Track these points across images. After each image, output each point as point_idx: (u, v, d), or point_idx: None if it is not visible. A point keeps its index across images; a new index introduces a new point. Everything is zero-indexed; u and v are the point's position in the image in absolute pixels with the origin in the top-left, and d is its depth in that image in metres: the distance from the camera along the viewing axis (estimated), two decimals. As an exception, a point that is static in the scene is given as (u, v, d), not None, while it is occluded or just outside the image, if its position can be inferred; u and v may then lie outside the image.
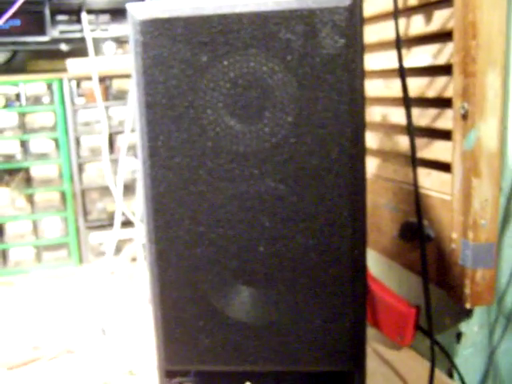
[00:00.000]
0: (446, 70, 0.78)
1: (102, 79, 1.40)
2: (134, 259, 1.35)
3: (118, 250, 1.41)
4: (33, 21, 1.32)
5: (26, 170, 1.42)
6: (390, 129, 0.95)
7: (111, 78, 1.42)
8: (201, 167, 0.66)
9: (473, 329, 0.84)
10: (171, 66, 0.65)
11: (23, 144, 1.41)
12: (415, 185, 0.74)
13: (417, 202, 0.74)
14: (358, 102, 0.63)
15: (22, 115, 1.40)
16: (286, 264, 0.67)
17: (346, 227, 0.65)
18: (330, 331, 0.69)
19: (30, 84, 1.38)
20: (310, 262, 0.67)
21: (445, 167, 0.80)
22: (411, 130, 0.73)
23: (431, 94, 0.81)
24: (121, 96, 1.41)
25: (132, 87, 0.67)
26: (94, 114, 1.42)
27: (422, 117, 0.83)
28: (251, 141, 0.65)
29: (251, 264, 0.68)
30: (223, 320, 0.69)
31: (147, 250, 0.69)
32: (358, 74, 0.63)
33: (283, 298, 0.68)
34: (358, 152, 0.64)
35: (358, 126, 0.63)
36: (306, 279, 0.67)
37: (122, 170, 1.27)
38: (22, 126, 1.40)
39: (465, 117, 0.73)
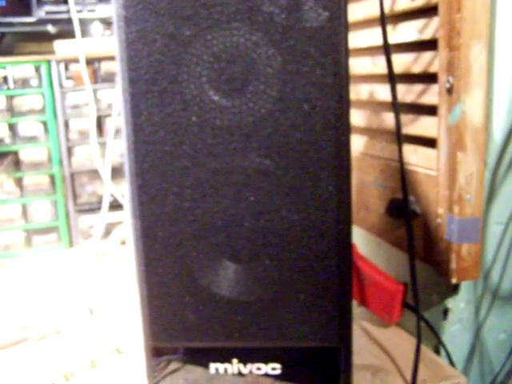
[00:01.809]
0: (431, 44, 0.77)
1: (90, 61, 1.39)
2: (123, 242, 1.35)
3: (108, 233, 1.40)
4: (18, 1, 1.31)
5: (15, 154, 1.41)
6: (377, 106, 0.95)
7: (99, 60, 1.41)
8: (185, 142, 0.65)
9: (459, 305, 0.84)
10: (154, 40, 0.64)
11: (11, 127, 1.40)
12: (401, 161, 0.74)
13: (402, 178, 0.74)
14: (342, 75, 0.63)
15: (10, 98, 1.39)
16: (271, 239, 0.67)
17: (331, 201, 0.65)
18: (316, 306, 0.69)
19: (18, 67, 1.37)
20: (295, 237, 0.67)
21: (431, 143, 0.80)
22: (396, 107, 0.73)
23: (417, 69, 0.81)
24: (109, 78, 1.40)
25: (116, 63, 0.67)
26: (82, 96, 1.41)
27: (408, 93, 0.83)
28: (235, 115, 0.64)
29: (236, 239, 0.68)
30: (209, 296, 0.69)
31: (132, 227, 0.69)
32: (341, 48, 0.62)
33: (268, 274, 0.68)
34: (343, 125, 0.64)
35: (343, 100, 0.63)
36: (291, 254, 0.67)
37: (110, 153, 1.26)
38: (10, 110, 1.39)
39: (450, 91, 0.73)
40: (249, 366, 0.73)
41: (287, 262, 0.68)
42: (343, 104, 0.63)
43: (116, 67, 0.66)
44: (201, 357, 0.74)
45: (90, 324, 0.95)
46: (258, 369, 0.73)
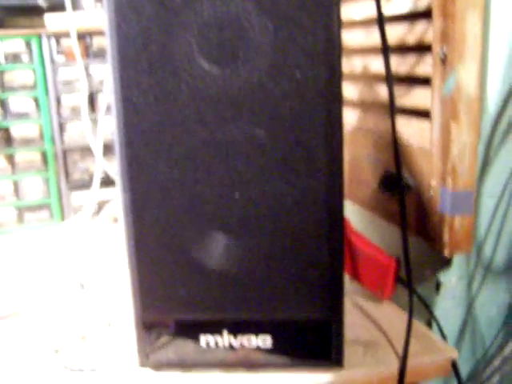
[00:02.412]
0: (426, 15, 0.76)
1: (81, 36, 1.38)
2: (115, 220, 1.34)
3: (101, 210, 1.40)
4: (8, -27, 1.29)
5: (6, 130, 1.40)
6: (370, 79, 0.94)
7: (91, 34, 1.39)
8: (174, 111, 0.64)
9: (452, 279, 0.84)
10: (143, 7, 0.63)
11: (2, 103, 1.39)
12: (394, 134, 0.73)
13: (395, 151, 0.73)
14: (334, 43, 0.62)
15: (1, 74, 1.37)
16: (262, 210, 0.66)
17: (323, 171, 0.64)
18: (307, 279, 0.68)
19: (8, 41, 1.35)
20: (285, 208, 0.66)
21: (424, 115, 0.79)
22: (389, 78, 0.72)
23: (411, 40, 0.80)
24: (101, 54, 1.39)
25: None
26: (74, 72, 1.39)
27: (402, 64, 0.82)
28: (225, 84, 0.63)
29: (227, 211, 0.67)
30: (199, 268, 0.69)
31: (121, 199, 0.68)
32: (334, 16, 0.61)
33: (259, 245, 0.68)
34: (335, 94, 0.63)
35: (334, 68, 0.62)
36: (282, 225, 0.67)
37: (102, 130, 1.25)
38: (1, 85, 1.38)
39: (444, 61, 0.72)
40: (240, 338, 0.73)
41: (278, 233, 0.67)
42: (335, 72, 0.62)
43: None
44: (191, 329, 0.73)
45: (80, 298, 0.95)
46: (249, 341, 0.73)
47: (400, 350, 0.76)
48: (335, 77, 0.62)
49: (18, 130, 1.40)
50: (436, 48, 0.73)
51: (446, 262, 0.83)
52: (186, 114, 0.64)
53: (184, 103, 0.64)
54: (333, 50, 0.62)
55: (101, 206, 1.40)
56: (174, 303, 0.71)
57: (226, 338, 0.73)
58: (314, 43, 0.62)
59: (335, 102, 0.63)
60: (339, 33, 0.62)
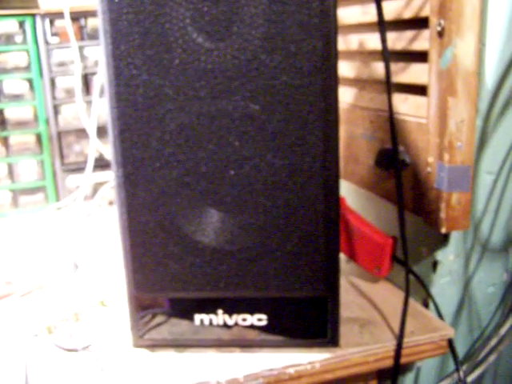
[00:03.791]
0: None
1: (76, 17, 1.36)
2: (111, 203, 1.33)
3: (96, 193, 1.39)
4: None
5: (0, 112, 1.38)
6: (367, 56, 0.93)
7: (86, 16, 1.38)
8: (167, 85, 0.64)
9: (449, 257, 0.84)
10: (135, -21, 0.62)
11: (-4, 85, 1.37)
12: (390, 109, 0.72)
13: (392, 125, 0.72)
14: (329, 15, 0.61)
15: (-6, 55, 1.35)
16: (256, 186, 0.66)
17: (318, 146, 0.64)
18: (302, 256, 0.68)
19: (1, 22, 1.33)
20: (280, 184, 0.65)
21: (421, 90, 0.78)
22: (386, 53, 0.71)
23: (408, 14, 0.78)
24: (96, 35, 1.37)
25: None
26: (68, 53, 1.38)
27: (399, 40, 0.81)
28: (219, 57, 0.63)
29: (221, 186, 0.66)
30: (192, 245, 0.68)
31: (114, 174, 0.67)
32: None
33: (253, 222, 0.67)
34: (330, 67, 0.62)
35: (330, 41, 0.61)
36: (276, 201, 0.66)
37: (95, 111, 1.24)
38: (-6, 67, 1.36)
39: (441, 34, 0.71)
40: (234, 316, 0.72)
41: (272, 209, 0.66)
42: (330, 45, 0.61)
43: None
44: (186, 308, 0.73)
45: (74, 278, 0.94)
46: (244, 319, 0.72)
47: (396, 329, 0.76)
48: (331, 50, 0.62)
49: (12, 112, 1.39)
50: (433, 21, 0.72)
51: (443, 240, 0.82)
52: (179, 88, 0.64)
53: (177, 77, 0.63)
54: (328, 23, 0.61)
55: (96, 189, 1.39)
56: (167, 281, 0.70)
57: (220, 317, 0.72)
58: (309, 16, 0.61)
59: (331, 75, 0.62)
60: (335, 5, 0.61)
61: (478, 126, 0.76)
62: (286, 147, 0.64)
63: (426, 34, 0.75)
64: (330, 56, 0.62)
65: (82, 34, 1.39)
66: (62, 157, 1.44)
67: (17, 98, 1.38)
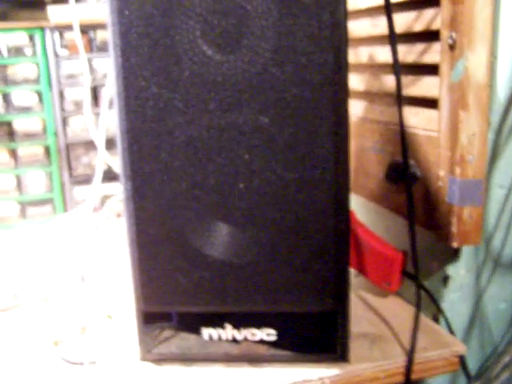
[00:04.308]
0: (433, 1, 0.75)
1: (85, 30, 1.37)
2: (119, 215, 1.33)
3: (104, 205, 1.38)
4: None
5: (9, 124, 1.39)
6: (377, 69, 0.92)
7: (95, 28, 1.38)
8: (177, 98, 0.63)
9: (460, 272, 0.83)
10: (146, -9, 0.61)
11: (5, 97, 1.38)
12: (401, 122, 0.71)
13: (402, 140, 0.72)
14: (340, 28, 0.60)
15: (4, 67, 1.36)
16: (266, 199, 0.65)
17: (329, 160, 0.63)
18: (312, 270, 0.67)
19: (12, 35, 1.34)
20: (290, 197, 0.65)
21: (432, 103, 0.77)
22: (397, 66, 0.71)
23: (418, 27, 0.78)
24: (105, 48, 1.38)
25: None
26: (78, 66, 1.38)
27: (409, 53, 0.80)
28: (229, 70, 0.62)
29: (230, 199, 0.66)
30: (201, 259, 0.67)
31: (123, 187, 0.67)
32: (340, 0, 0.60)
33: (263, 235, 0.66)
34: (341, 80, 0.62)
35: (340, 53, 0.61)
36: (286, 215, 0.65)
37: (104, 123, 1.24)
38: (4, 79, 1.37)
39: (452, 47, 0.70)
40: (243, 331, 0.71)
41: (282, 223, 0.66)
42: (341, 58, 0.61)
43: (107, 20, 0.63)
44: (194, 322, 0.72)
45: (81, 291, 0.94)
46: (253, 334, 0.72)
47: (407, 345, 0.74)
48: (341, 62, 0.61)
49: (20, 123, 1.39)
50: (444, 34, 0.72)
51: (454, 255, 0.81)
52: (189, 101, 0.63)
53: (186, 90, 0.63)
54: (339, 35, 0.61)
55: (104, 201, 1.39)
56: (175, 295, 0.69)
57: (229, 332, 0.72)
58: (320, 28, 0.60)
59: (341, 87, 0.62)
60: (345, 17, 0.60)
61: (490, 139, 0.76)
62: (296, 160, 0.63)
63: (436, 46, 0.75)
64: (340, 68, 0.61)
65: (91, 47, 1.40)
66: (70, 169, 1.44)
67: (26, 109, 1.39)
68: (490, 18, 0.69)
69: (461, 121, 0.71)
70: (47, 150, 1.41)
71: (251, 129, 0.63)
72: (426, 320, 0.82)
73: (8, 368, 0.73)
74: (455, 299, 0.84)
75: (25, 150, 1.40)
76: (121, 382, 0.70)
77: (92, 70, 1.38)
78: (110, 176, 1.37)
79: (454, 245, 0.76)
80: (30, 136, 1.40)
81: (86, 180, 1.44)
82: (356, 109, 0.98)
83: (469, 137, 0.72)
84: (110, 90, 1.20)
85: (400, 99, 0.70)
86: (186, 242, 0.67)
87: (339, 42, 0.61)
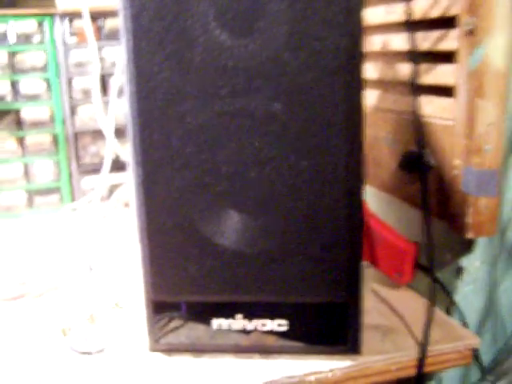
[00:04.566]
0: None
1: (94, 18, 1.35)
2: (126, 205, 1.32)
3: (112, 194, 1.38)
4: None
5: (17, 112, 1.38)
6: (390, 57, 0.90)
7: (104, 16, 1.37)
8: (188, 83, 0.62)
9: (474, 264, 0.81)
10: (157, -26, 0.60)
11: (13, 85, 1.36)
12: (415, 110, 0.70)
13: (418, 128, 0.70)
14: (355, 12, 0.59)
15: (12, 54, 1.35)
16: (278, 188, 0.64)
17: (342, 148, 0.62)
18: (324, 260, 0.66)
19: (20, 22, 1.33)
20: (302, 186, 0.64)
21: (447, 92, 0.76)
22: (413, 54, 0.69)
23: (435, 13, 0.76)
24: (114, 36, 1.36)
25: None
26: (86, 54, 1.37)
27: (425, 40, 0.79)
28: (242, 55, 0.61)
29: (241, 187, 0.65)
30: (212, 247, 0.67)
31: (133, 173, 0.65)
32: (355, -17, 0.58)
33: (274, 224, 0.65)
34: (356, 66, 0.60)
35: (355, 39, 0.60)
36: (298, 204, 0.64)
37: (112, 112, 1.23)
38: (12, 66, 1.35)
39: (471, 33, 0.69)
40: (254, 321, 0.70)
41: (294, 212, 0.65)
42: (356, 43, 0.60)
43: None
44: (204, 312, 0.71)
45: (89, 280, 0.93)
46: (264, 325, 0.70)
47: (419, 337, 0.74)
48: (356, 48, 0.60)
49: (28, 112, 1.38)
50: (463, 20, 0.70)
51: (468, 246, 0.80)
52: (201, 86, 0.62)
53: (198, 75, 0.62)
54: (354, 21, 0.59)
55: (112, 191, 1.38)
56: (185, 284, 0.68)
57: (239, 322, 0.70)
58: (335, 13, 0.59)
59: (356, 74, 0.61)
60: (361, 2, 0.59)
61: (508, 127, 0.74)
62: (308, 148, 0.62)
63: (453, 33, 0.73)
64: (355, 55, 0.60)
65: (100, 35, 1.38)
66: (77, 158, 1.43)
67: (33, 98, 1.38)
68: (510, 3, 0.68)
69: (478, 109, 0.70)
70: (55, 139, 1.40)
71: (263, 115, 0.62)
72: (438, 312, 0.80)
73: (16, 357, 0.73)
74: (468, 291, 0.83)
75: (32, 138, 1.39)
76: (129, 372, 0.69)
77: (101, 58, 1.37)
78: (117, 165, 1.35)
79: (469, 236, 0.74)
80: (37, 124, 1.39)
81: (94, 169, 1.43)
82: (368, 98, 0.97)
83: (486, 126, 0.71)
84: (121, 75, 1.19)
85: (415, 87, 0.69)
86: (196, 230, 0.66)
87: (354, 27, 0.59)
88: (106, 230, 1.17)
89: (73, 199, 1.43)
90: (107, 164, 1.22)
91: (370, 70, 0.96)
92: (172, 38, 0.61)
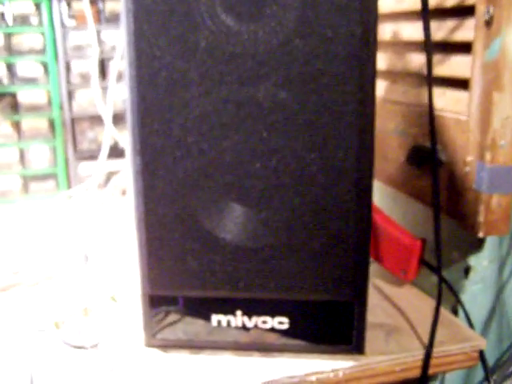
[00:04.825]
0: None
1: (93, 0, 1.32)
2: (124, 192, 1.29)
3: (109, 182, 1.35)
4: None
5: (13, 96, 1.35)
6: (401, 47, 0.88)
7: (104, -2, 1.34)
8: (192, 69, 0.60)
9: (483, 263, 0.80)
10: (161, -48, 0.57)
11: (9, 67, 1.33)
12: (430, 102, 0.67)
13: (431, 121, 0.67)
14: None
15: (9, 36, 1.32)
16: (284, 180, 0.62)
17: (352, 140, 0.60)
18: (330, 257, 0.64)
19: (17, 3, 1.29)
20: (310, 178, 0.61)
21: (462, 84, 0.73)
22: (429, 44, 0.66)
23: (451, 2, 0.74)
24: (114, 19, 1.34)
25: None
26: (85, 37, 1.34)
27: (439, 30, 0.76)
28: (249, 41, 0.59)
29: (245, 179, 0.62)
30: (212, 241, 0.64)
31: (131, 162, 0.63)
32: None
33: (279, 218, 0.63)
34: (368, 55, 0.58)
35: (369, 26, 0.57)
36: (305, 197, 0.62)
37: (111, 97, 1.20)
38: (8, 48, 1.32)
39: (489, 23, 0.66)
40: (254, 318, 0.68)
41: (300, 205, 0.63)
42: (369, 31, 0.57)
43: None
44: (202, 308, 0.69)
45: (84, 271, 0.91)
46: (264, 322, 0.68)
47: (424, 337, 0.72)
48: (370, 36, 0.57)
49: (25, 95, 1.35)
50: (480, 9, 0.67)
51: (477, 244, 0.78)
52: (205, 72, 0.59)
53: (203, 61, 0.59)
54: (368, 7, 0.57)
55: (109, 178, 1.35)
56: (184, 279, 0.66)
57: (239, 319, 0.68)
58: (348, -2, 0.56)
59: (369, 63, 0.58)
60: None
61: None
62: (317, 140, 0.60)
63: (470, 23, 0.71)
64: (368, 43, 0.57)
65: (99, 18, 1.35)
66: (74, 143, 1.41)
67: (30, 81, 1.35)
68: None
69: (494, 103, 0.68)
70: (52, 124, 1.37)
71: (271, 104, 0.59)
72: (444, 312, 0.79)
73: (6, 350, 0.71)
74: (476, 291, 0.81)
75: (29, 122, 1.37)
76: (123, 368, 0.67)
77: (100, 41, 1.34)
78: (115, 152, 1.33)
79: (481, 235, 0.72)
80: (34, 108, 1.36)
81: (91, 156, 1.40)
82: (377, 89, 0.94)
83: (502, 120, 0.68)
84: (121, 59, 1.16)
85: (430, 79, 0.66)
86: (197, 222, 0.64)
87: (368, 14, 0.57)
88: (102, 219, 1.14)
89: (69, 186, 1.40)
90: (105, 150, 1.19)
91: (379, 60, 0.93)
92: (175, 22, 0.58)
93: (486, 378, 0.75)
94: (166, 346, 0.70)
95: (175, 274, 0.66)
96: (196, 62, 0.59)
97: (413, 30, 0.84)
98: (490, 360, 0.86)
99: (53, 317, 0.77)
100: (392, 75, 0.92)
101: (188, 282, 0.66)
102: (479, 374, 0.85)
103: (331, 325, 0.68)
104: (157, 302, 0.69)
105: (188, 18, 0.58)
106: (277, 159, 0.61)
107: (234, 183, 0.62)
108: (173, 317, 0.70)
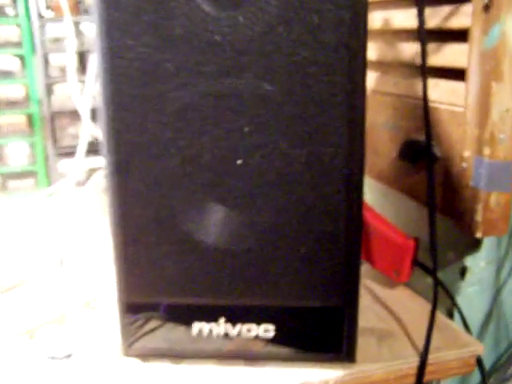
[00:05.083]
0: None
1: (72, -10, 1.28)
2: (105, 190, 1.25)
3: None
4: None
5: (-11, 90, 1.31)
6: (391, 36, 0.85)
7: (82, -11, 1.30)
8: (167, 59, 0.57)
9: (480, 264, 0.78)
10: None
11: (-15, 61, 1.29)
12: (425, 95, 0.64)
13: (425, 114, 0.64)
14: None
15: (-17, 28, 1.27)
16: (268, 178, 0.60)
17: (342, 134, 0.58)
18: (318, 260, 0.62)
19: (-8, -7, 1.25)
20: (296, 177, 0.59)
21: (457, 74, 0.71)
22: (422, 32, 0.63)
23: (446, -14, 0.71)
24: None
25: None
26: (63, 29, 1.30)
27: (433, 17, 0.74)
28: (229, 28, 0.56)
29: (226, 177, 0.60)
30: (192, 244, 0.62)
31: (105, 161, 0.61)
32: None
33: (263, 219, 0.61)
34: (359, 42, 0.56)
35: (359, 11, 0.55)
36: (290, 197, 0.60)
37: (90, 91, 1.16)
38: (-16, 41, 1.28)
39: (487, 8, 0.64)
40: (238, 326, 0.66)
41: (286, 206, 0.60)
42: (360, 17, 0.55)
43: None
44: (183, 314, 0.66)
45: (59, 275, 0.88)
46: (249, 330, 0.66)
47: (419, 342, 0.69)
48: (360, 23, 0.55)
49: (1, 90, 1.31)
50: (478, -7, 0.64)
51: (474, 245, 0.76)
52: (181, 63, 0.57)
53: (179, 50, 0.57)
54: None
55: (90, 175, 1.31)
56: (162, 285, 0.64)
57: (222, 326, 0.66)
58: (336, -19, 0.55)
59: (359, 52, 0.56)
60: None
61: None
62: (303, 134, 0.57)
63: (467, 8, 0.68)
64: (358, 30, 0.55)
65: (78, 9, 1.32)
66: (54, 140, 1.37)
67: (7, 75, 1.32)
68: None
69: (493, 94, 0.65)
70: (30, 119, 1.34)
71: (253, 97, 0.57)
72: (439, 315, 0.76)
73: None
74: (472, 293, 0.80)
75: (6, 118, 1.33)
76: (99, 379, 0.64)
77: (79, 33, 1.30)
78: (96, 148, 1.28)
79: (478, 235, 0.71)
80: (11, 104, 1.33)
81: (72, 152, 1.36)
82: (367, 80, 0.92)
83: (501, 112, 0.66)
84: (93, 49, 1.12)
85: (425, 69, 0.63)
86: (175, 225, 0.62)
87: (359, -1, 0.55)
88: (81, 219, 1.11)
89: (49, 183, 1.36)
90: (82, 147, 1.15)
91: (369, 50, 0.90)
92: (149, 8, 0.55)
93: (483, 381, 0.73)
94: (146, 354, 0.68)
95: (153, 279, 0.64)
96: (171, 52, 0.56)
97: (404, 18, 0.81)
98: (487, 363, 0.85)
99: (25, 324, 0.74)
100: (382, 66, 0.90)
101: (167, 288, 0.64)
102: (476, 377, 0.84)
103: (320, 332, 0.66)
104: (135, 308, 0.66)
105: (162, 3, 0.55)
106: (260, 156, 0.58)
107: (214, 182, 0.60)
108: (153, 323, 0.67)
